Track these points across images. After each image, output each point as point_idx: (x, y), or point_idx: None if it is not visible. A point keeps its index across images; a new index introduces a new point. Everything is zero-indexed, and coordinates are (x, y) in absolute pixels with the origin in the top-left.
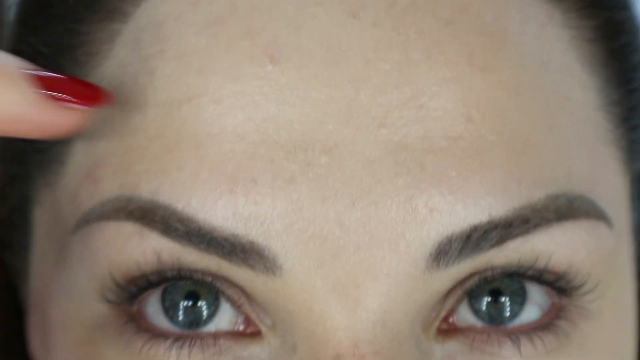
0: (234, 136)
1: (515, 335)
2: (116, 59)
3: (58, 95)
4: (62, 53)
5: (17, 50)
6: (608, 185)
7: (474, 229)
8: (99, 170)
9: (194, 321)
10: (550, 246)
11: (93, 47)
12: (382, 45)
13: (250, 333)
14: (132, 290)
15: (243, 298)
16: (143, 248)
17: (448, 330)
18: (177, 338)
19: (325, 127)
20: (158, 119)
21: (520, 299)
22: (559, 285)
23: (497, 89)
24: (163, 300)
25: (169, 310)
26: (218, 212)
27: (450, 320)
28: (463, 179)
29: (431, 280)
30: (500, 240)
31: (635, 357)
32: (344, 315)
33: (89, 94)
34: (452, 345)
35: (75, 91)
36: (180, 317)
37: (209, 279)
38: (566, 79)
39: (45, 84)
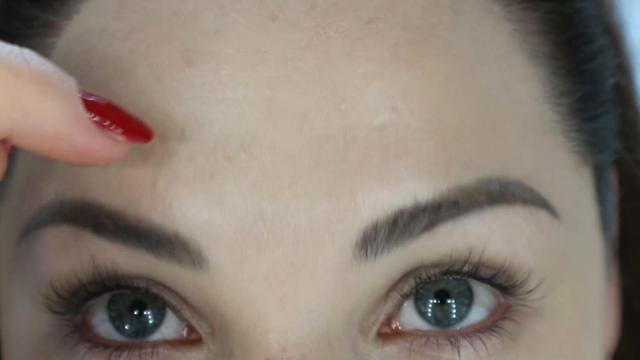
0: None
1: (455, 338)
2: None
3: (106, 123)
4: None
5: None
6: (554, 175)
7: (400, 213)
8: (37, 178)
9: (140, 330)
10: (484, 230)
11: None
12: (301, 45)
13: (191, 340)
14: (73, 302)
15: (182, 304)
16: (78, 250)
17: (389, 334)
18: (117, 347)
19: (243, 124)
20: None
21: (466, 300)
22: (500, 282)
23: (424, 80)
24: (109, 309)
25: (115, 320)
26: (143, 205)
27: (394, 325)
28: (386, 165)
29: (360, 273)
30: (430, 224)
31: (602, 356)
32: (272, 316)
33: (135, 127)
34: (392, 350)
35: (123, 122)
36: (127, 327)
37: (144, 285)
38: (505, 70)
39: (95, 108)
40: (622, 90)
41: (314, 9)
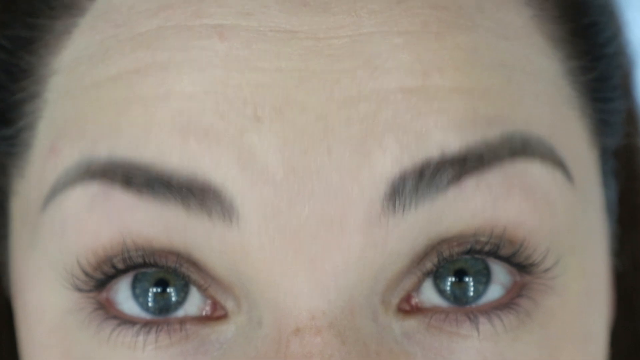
0: (181, 96)
1: (473, 314)
2: (73, 46)
3: None
4: (22, 46)
5: None
6: (570, 142)
7: (427, 164)
8: (59, 141)
9: (164, 307)
10: (505, 184)
11: (51, 40)
12: (333, 26)
13: (216, 317)
14: (99, 278)
15: (209, 280)
16: (107, 210)
17: (409, 310)
18: (145, 324)
19: (274, 90)
20: (109, 90)
21: (484, 278)
22: (519, 261)
23: (454, 50)
24: (133, 287)
25: (139, 297)
26: (174, 157)
27: (413, 301)
28: (416, 121)
29: (388, 230)
30: (456, 176)
31: (606, 332)
32: (302, 278)
33: None
34: (411, 324)
35: None
36: (150, 304)
37: (173, 264)
38: (527, 47)
39: None
40: (624, 78)
41: None
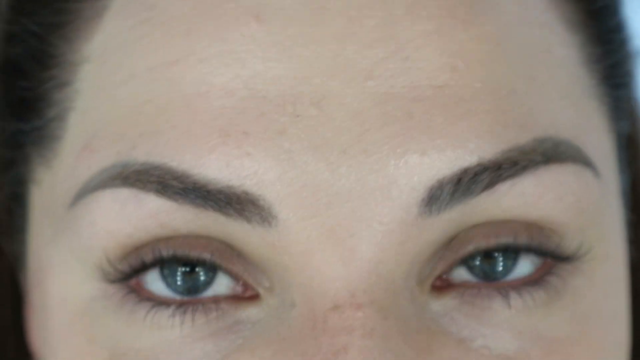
0: (223, 93)
1: (505, 290)
2: (105, 32)
3: None
4: (52, 31)
5: (10, 32)
6: (593, 136)
7: (464, 172)
8: (96, 140)
9: (193, 288)
10: (538, 189)
11: (82, 23)
12: (365, 3)
13: (248, 297)
14: (128, 272)
15: (242, 269)
16: (139, 214)
17: (441, 287)
18: (180, 305)
19: (312, 81)
20: (148, 84)
21: (512, 254)
22: (550, 250)
23: (479, 41)
24: (162, 269)
25: (168, 277)
26: (212, 164)
27: (444, 276)
28: (450, 124)
29: (424, 227)
30: (491, 183)
31: (627, 317)
32: (339, 265)
33: None
34: (446, 302)
35: None
36: (179, 283)
37: (207, 257)
38: (547, 34)
39: None
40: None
41: None
